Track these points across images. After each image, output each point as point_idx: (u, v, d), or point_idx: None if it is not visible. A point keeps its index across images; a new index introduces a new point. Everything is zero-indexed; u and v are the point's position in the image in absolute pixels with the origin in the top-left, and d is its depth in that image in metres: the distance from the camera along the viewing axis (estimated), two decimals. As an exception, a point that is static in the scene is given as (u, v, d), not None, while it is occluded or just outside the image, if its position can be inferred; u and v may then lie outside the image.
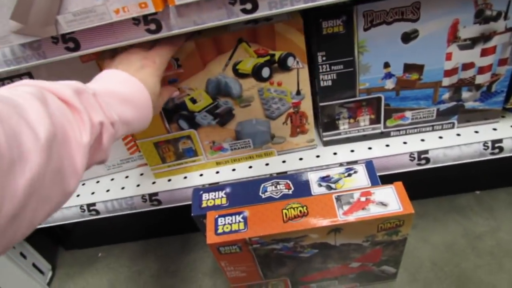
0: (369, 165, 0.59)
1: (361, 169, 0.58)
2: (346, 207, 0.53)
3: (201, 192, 0.60)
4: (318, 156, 0.67)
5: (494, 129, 0.65)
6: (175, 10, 0.46)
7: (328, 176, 0.58)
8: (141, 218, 0.76)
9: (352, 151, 0.66)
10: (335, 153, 0.67)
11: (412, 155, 0.64)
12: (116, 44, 0.49)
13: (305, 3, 0.45)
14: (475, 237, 0.76)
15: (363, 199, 0.53)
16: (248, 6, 0.46)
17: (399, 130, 0.66)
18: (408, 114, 0.64)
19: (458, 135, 0.65)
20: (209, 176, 0.70)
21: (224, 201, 0.59)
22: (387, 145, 0.66)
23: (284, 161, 0.68)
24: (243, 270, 0.61)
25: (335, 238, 0.55)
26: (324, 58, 0.57)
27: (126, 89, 0.44)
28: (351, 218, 0.52)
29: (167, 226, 0.90)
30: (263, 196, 0.58)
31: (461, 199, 0.83)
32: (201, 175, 0.70)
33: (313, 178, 0.59)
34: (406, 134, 0.67)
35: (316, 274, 0.64)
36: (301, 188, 0.58)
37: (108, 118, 0.39)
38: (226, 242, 0.54)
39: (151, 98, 0.47)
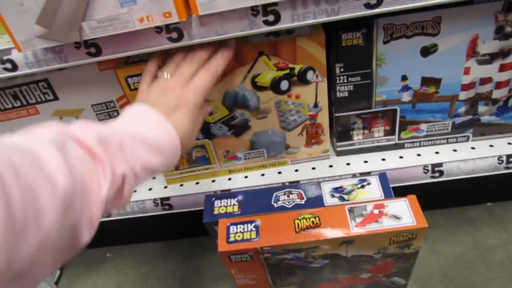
0: (383, 177, 0.59)
1: (374, 180, 0.58)
2: (359, 219, 0.53)
3: (213, 198, 0.60)
4: (331, 166, 0.67)
5: (509, 143, 0.64)
6: (198, 20, 0.47)
7: (341, 187, 0.59)
8: (152, 221, 0.76)
9: (366, 161, 0.67)
10: (348, 164, 0.67)
11: (426, 168, 0.64)
12: (137, 51, 0.49)
13: (328, 16, 0.45)
14: (486, 249, 0.76)
15: (376, 211, 0.53)
16: (271, 18, 0.46)
17: (413, 142, 0.66)
18: (423, 126, 0.64)
19: (473, 148, 0.65)
20: (221, 182, 0.70)
21: (236, 208, 0.59)
22: (401, 157, 0.66)
23: (296, 170, 0.68)
24: (253, 278, 0.61)
25: (347, 249, 0.55)
26: (342, 70, 0.57)
27: (156, 135, 0.42)
28: (364, 230, 0.51)
29: (176, 230, 0.90)
30: (275, 205, 0.58)
31: (472, 210, 0.83)
32: (213, 181, 0.71)
33: (326, 188, 0.59)
34: (420, 146, 0.67)
35: (326, 284, 0.64)
36: (313, 198, 0.58)
37: (132, 169, 0.38)
38: (237, 250, 0.54)
39: (182, 142, 0.44)
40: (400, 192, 0.67)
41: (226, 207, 0.59)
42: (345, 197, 0.57)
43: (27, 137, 0.32)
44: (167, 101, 0.46)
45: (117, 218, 0.74)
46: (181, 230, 0.91)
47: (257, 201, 0.59)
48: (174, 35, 0.48)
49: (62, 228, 0.29)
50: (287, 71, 0.57)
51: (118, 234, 0.90)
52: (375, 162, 0.66)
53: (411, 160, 0.65)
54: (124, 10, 0.43)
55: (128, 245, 0.94)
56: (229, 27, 0.47)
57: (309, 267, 0.59)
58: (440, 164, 0.63)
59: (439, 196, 0.80)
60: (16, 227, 0.25)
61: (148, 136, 0.41)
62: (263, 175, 0.69)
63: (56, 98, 0.64)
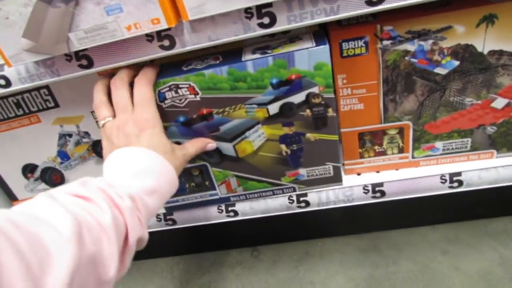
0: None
1: (307, 36, 0.51)
2: None
3: None
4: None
5: (534, 149, 0.59)
6: (189, 26, 0.44)
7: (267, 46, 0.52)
8: (156, 237, 0.74)
9: (378, 172, 0.62)
10: (358, 174, 0.63)
11: (443, 177, 0.59)
12: (129, 61, 0.48)
13: (327, 16, 0.43)
14: (513, 265, 0.70)
15: None
16: (266, 20, 0.43)
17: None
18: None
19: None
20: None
21: None
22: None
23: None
24: (362, 96, 0.54)
25: (485, 36, 0.48)
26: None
27: (136, 163, 0.44)
28: None
29: (183, 245, 0.88)
30: (185, 69, 0.52)
31: (497, 223, 0.77)
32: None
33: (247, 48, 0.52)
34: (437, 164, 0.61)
35: (448, 118, 0.56)
36: (230, 56, 0.51)
37: (124, 195, 0.40)
38: (351, 34, 0.49)
39: (165, 157, 0.46)
40: (417, 203, 0.62)
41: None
42: (268, 51, 0.50)
43: (21, 206, 0.36)
44: (127, 133, 0.46)
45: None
46: (188, 245, 0.88)
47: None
48: (166, 42, 0.46)
49: (82, 263, 0.32)
50: None
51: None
52: (388, 172, 0.62)
53: (427, 170, 0.60)
54: (110, 19, 0.42)
55: (134, 262, 0.91)
56: (223, 31, 0.45)
57: (432, 75, 0.51)
58: (458, 173, 0.59)
59: (460, 207, 0.74)
60: (35, 271, 0.28)
61: (130, 167, 0.44)
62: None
63: (56, 105, 0.63)
